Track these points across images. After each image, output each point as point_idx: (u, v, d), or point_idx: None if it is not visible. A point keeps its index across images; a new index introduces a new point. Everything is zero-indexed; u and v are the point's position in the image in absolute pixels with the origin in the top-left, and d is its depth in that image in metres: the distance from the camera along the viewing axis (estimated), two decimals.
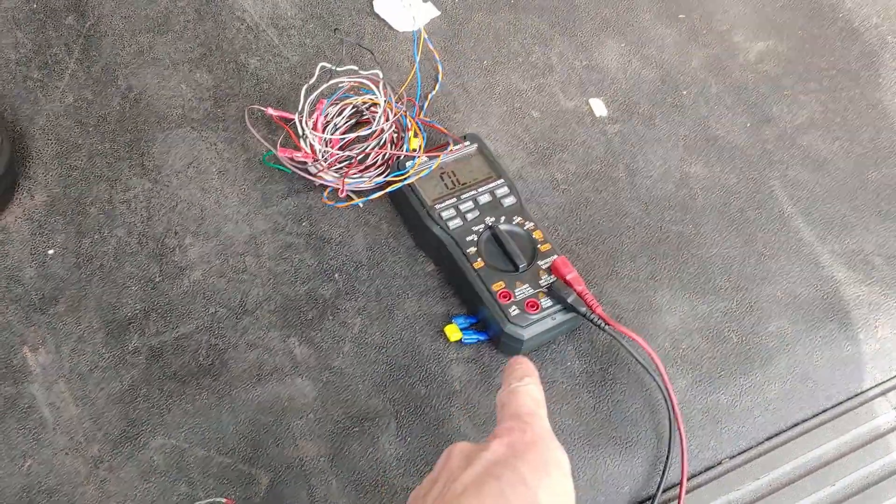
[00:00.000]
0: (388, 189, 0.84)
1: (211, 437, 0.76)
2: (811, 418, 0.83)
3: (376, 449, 0.77)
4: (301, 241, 0.87)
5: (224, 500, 0.74)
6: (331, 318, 0.83)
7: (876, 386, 0.85)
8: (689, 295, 0.86)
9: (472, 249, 0.81)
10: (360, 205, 0.88)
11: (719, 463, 0.80)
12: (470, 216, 0.83)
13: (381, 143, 0.86)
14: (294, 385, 0.79)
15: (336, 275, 0.85)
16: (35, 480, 0.74)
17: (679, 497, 0.75)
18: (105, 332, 0.81)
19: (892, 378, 0.85)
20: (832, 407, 0.84)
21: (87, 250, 0.85)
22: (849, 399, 0.84)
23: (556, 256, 0.81)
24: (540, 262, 0.81)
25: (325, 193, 0.88)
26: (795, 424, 0.82)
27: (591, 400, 0.80)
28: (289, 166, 0.87)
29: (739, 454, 0.81)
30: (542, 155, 0.94)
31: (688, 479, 0.78)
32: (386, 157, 0.87)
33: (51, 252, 0.85)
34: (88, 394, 0.78)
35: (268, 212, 0.88)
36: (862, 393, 0.84)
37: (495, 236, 0.82)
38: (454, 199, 0.84)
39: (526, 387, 0.63)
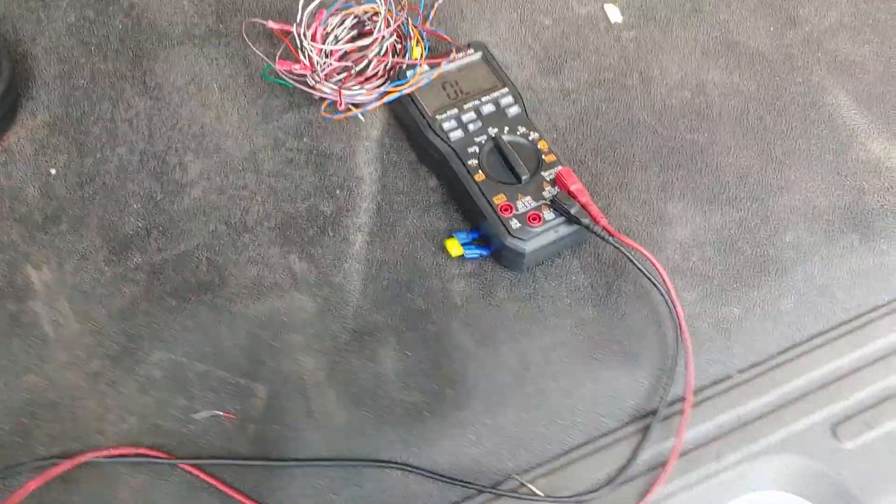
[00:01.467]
0: (387, 99, 0.81)
1: (210, 351, 0.76)
2: (828, 331, 0.79)
3: (375, 363, 0.76)
4: (301, 156, 0.85)
5: (222, 414, 0.73)
6: (331, 234, 0.81)
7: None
8: (702, 205, 0.83)
9: (474, 162, 0.78)
10: (360, 116, 0.85)
11: (729, 377, 0.77)
12: (472, 127, 0.80)
13: (382, 51, 0.83)
14: (293, 301, 0.78)
15: (337, 191, 0.83)
16: (37, 395, 0.74)
17: (683, 411, 0.73)
18: (107, 249, 0.80)
19: None
20: (850, 320, 0.80)
21: (89, 169, 0.84)
22: (869, 311, 0.80)
23: (560, 167, 0.77)
24: (544, 174, 0.78)
25: (324, 106, 0.85)
26: (811, 337, 0.79)
27: (594, 313, 0.77)
28: (287, 79, 0.84)
29: (750, 367, 0.78)
30: (553, 64, 0.90)
31: (694, 393, 0.75)
32: (387, 66, 0.84)
33: (53, 171, 0.84)
34: (90, 310, 0.77)
35: (268, 127, 0.86)
36: (883, 306, 0.80)
37: (497, 147, 0.79)
38: (456, 110, 0.81)
39: None
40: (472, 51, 0.84)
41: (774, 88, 0.90)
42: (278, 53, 0.87)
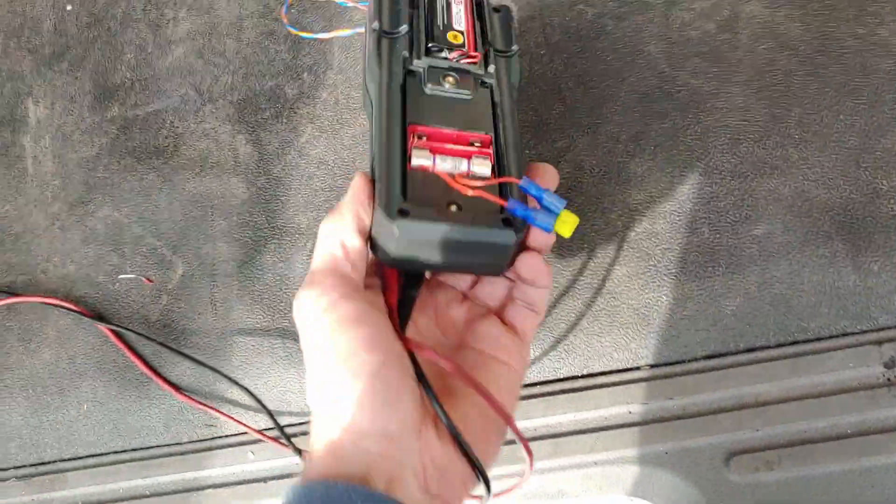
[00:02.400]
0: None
1: (148, 217, 0.65)
2: (768, 348, 0.56)
3: (287, 265, 0.62)
4: (283, 30, 0.67)
5: (144, 279, 0.64)
6: (284, 120, 0.65)
7: (872, 331, 0.55)
8: (672, 169, 0.58)
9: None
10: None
11: (636, 368, 0.57)
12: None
13: None
14: (229, 184, 0.65)
15: (304, 74, 0.66)
16: (7, 224, 0.68)
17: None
18: (93, 96, 0.69)
19: None
20: (803, 342, 0.56)
21: (99, 10, 0.72)
22: (828, 338, 0.55)
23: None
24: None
25: None
26: (748, 350, 0.56)
27: None
28: None
29: (662, 365, 0.57)
30: None
31: (593, 375, 0.57)
32: None
33: (69, 8, 0.72)
34: (65, 154, 0.68)
35: None
36: (849, 335, 0.55)
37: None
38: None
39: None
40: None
41: (822, 38, 0.59)
42: None
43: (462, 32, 0.46)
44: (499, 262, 0.40)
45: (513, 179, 0.39)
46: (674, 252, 0.56)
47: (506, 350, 0.42)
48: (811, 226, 0.55)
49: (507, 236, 0.38)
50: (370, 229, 0.39)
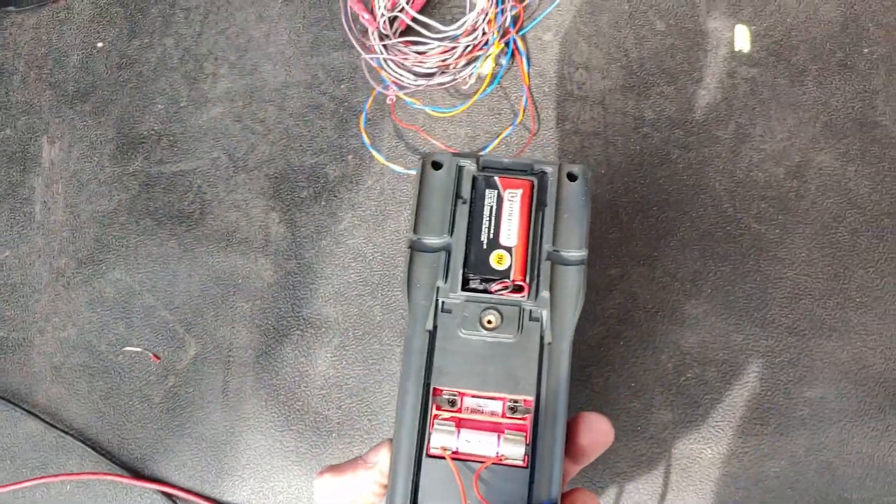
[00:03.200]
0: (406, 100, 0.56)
1: (163, 288, 0.60)
2: None
3: (308, 361, 0.58)
4: (331, 105, 0.63)
5: (151, 356, 0.58)
6: (323, 203, 0.61)
7: None
8: (729, 316, 0.55)
9: None
10: (399, 95, 0.61)
11: None
12: None
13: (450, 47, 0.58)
14: (256, 264, 0.60)
15: (350, 156, 0.62)
16: (5, 273, 0.61)
17: None
18: (116, 144, 0.64)
19: None
20: None
21: (132, 53, 0.66)
22: None
23: None
24: None
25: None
26: None
27: None
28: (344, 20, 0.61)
29: None
30: (642, 82, 0.61)
31: None
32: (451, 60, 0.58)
33: (99, 45, 0.67)
34: (78, 204, 0.63)
35: (311, 62, 0.64)
36: None
37: None
38: None
39: None
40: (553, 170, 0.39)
41: (891, 201, 0.58)
42: None
43: (510, 250, 0.37)
44: None
45: None
46: (723, 404, 0.53)
47: None
48: (866, 395, 0.52)
49: None
50: None
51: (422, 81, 0.59)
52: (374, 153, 0.60)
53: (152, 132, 0.63)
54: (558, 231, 0.38)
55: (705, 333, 0.54)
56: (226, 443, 0.56)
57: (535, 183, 0.38)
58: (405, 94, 0.60)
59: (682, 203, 0.57)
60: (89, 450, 0.56)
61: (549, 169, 0.38)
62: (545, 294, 0.36)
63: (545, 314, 0.36)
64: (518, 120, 0.59)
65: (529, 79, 0.60)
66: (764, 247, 0.56)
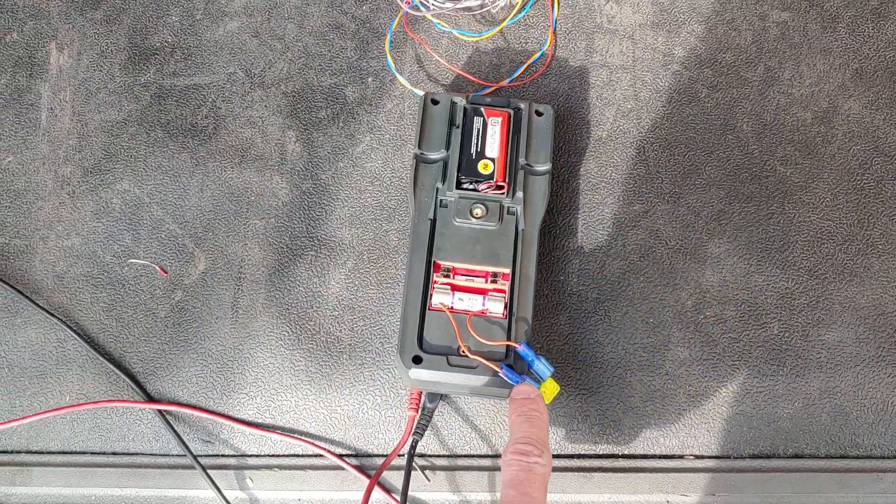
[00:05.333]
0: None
1: (172, 201, 0.57)
2: (819, 458, 0.52)
3: (321, 282, 0.55)
4: (352, 25, 0.60)
5: (158, 269, 0.56)
6: (341, 124, 0.58)
7: None
8: (751, 256, 0.54)
9: None
10: (428, 15, 0.59)
11: (681, 456, 0.53)
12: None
13: None
14: (271, 182, 0.57)
15: (370, 78, 0.59)
16: (8, 178, 0.58)
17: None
18: (127, 54, 0.61)
19: None
20: (853, 457, 0.52)
21: None
22: (882, 458, 0.52)
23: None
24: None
25: None
26: (797, 456, 0.52)
27: None
28: None
29: (709, 457, 0.53)
30: (673, 18, 0.59)
31: (623, 457, 0.52)
32: None
33: None
34: (87, 113, 0.60)
35: None
36: None
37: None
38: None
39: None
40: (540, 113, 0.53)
41: None
42: None
43: (493, 160, 0.50)
44: (499, 397, 0.48)
45: (512, 343, 0.46)
46: (740, 343, 0.52)
47: None
48: (884, 342, 0.52)
49: (503, 385, 0.46)
50: None
51: (449, 4, 0.56)
52: (398, 76, 0.57)
53: (166, 44, 0.60)
54: (529, 150, 0.51)
55: (726, 273, 0.53)
56: (233, 359, 0.53)
57: (512, 115, 0.51)
58: (432, 14, 0.57)
59: (708, 142, 0.55)
60: (92, 357, 0.53)
61: (522, 105, 0.52)
62: (520, 194, 0.49)
63: (520, 209, 0.49)
64: (546, 48, 0.57)
65: (559, 8, 0.58)
66: (789, 190, 0.54)
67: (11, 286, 0.54)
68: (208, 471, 0.51)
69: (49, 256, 0.55)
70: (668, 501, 0.50)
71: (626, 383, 0.51)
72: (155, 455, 0.53)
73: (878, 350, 0.51)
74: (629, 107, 0.56)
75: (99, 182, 0.57)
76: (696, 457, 0.51)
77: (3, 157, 0.58)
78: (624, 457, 0.51)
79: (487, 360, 0.46)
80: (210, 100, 0.58)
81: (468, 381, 0.46)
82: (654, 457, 0.51)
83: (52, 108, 0.58)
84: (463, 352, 0.46)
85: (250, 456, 0.52)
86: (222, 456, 0.52)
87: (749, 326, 0.52)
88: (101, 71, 0.59)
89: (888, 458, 0.51)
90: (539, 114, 0.52)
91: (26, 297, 0.54)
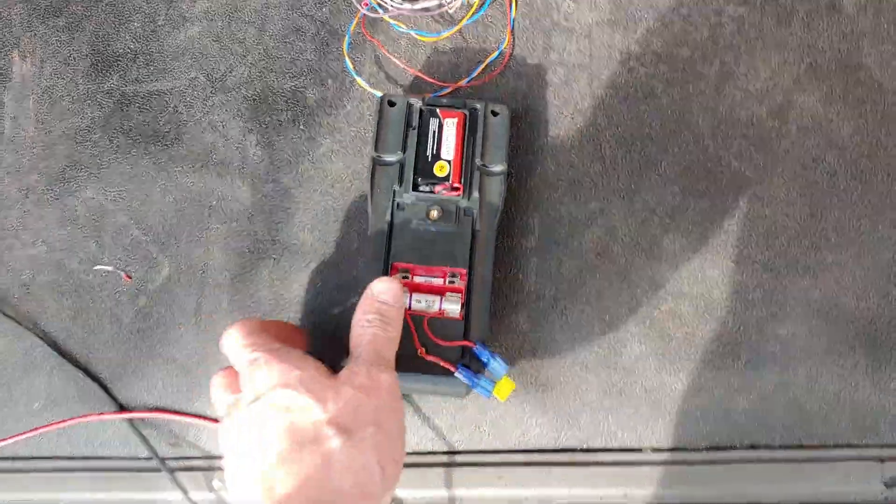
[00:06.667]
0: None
1: (136, 207, 0.58)
2: (776, 448, 0.53)
3: (284, 285, 0.56)
4: (312, 27, 0.60)
5: (123, 275, 0.56)
6: (302, 128, 0.58)
7: (877, 447, 0.52)
8: (706, 253, 0.54)
9: None
10: (388, 19, 0.59)
11: (639, 450, 0.53)
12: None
13: None
14: (232, 186, 0.58)
15: (329, 80, 0.59)
16: None
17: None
18: (90, 62, 0.61)
19: None
20: (808, 447, 0.53)
21: None
22: (836, 447, 0.53)
23: None
24: None
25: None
26: (753, 447, 0.53)
27: None
28: None
29: (666, 450, 0.53)
30: (630, 17, 0.59)
31: (592, 451, 0.53)
32: None
33: None
34: (50, 121, 0.60)
35: None
36: (854, 447, 0.53)
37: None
38: None
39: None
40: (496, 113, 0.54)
41: (872, 143, 0.56)
42: None
43: (449, 162, 0.50)
44: (456, 396, 0.48)
45: (468, 343, 0.47)
46: (695, 338, 0.53)
47: None
48: (836, 334, 0.52)
49: (458, 386, 0.47)
50: None
51: (406, 5, 0.56)
52: (357, 78, 0.57)
53: (128, 50, 0.60)
54: (485, 150, 0.51)
55: (682, 268, 0.53)
56: (198, 364, 0.54)
57: (468, 115, 0.51)
58: (389, 16, 0.57)
59: (664, 138, 0.56)
60: (60, 363, 0.54)
61: (478, 106, 0.52)
62: (476, 195, 0.49)
63: (475, 211, 0.49)
64: (504, 47, 0.57)
65: (518, 7, 0.58)
66: (743, 184, 0.54)
67: None
68: (175, 473, 0.52)
69: (15, 265, 0.56)
70: (625, 495, 0.51)
71: (583, 379, 0.52)
72: (123, 458, 0.54)
73: (831, 342, 0.51)
74: (586, 105, 0.56)
75: (63, 190, 0.57)
76: (654, 450, 0.52)
77: None
78: (582, 451, 0.52)
79: (443, 360, 0.46)
80: (172, 105, 0.58)
81: (424, 384, 0.47)
82: (612, 450, 0.52)
83: (15, 117, 0.58)
84: (420, 354, 0.46)
85: (217, 458, 0.52)
86: (189, 458, 0.53)
87: (704, 321, 0.52)
88: (64, 78, 0.59)
89: (842, 446, 0.51)
90: (495, 114, 0.52)
91: None
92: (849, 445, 0.51)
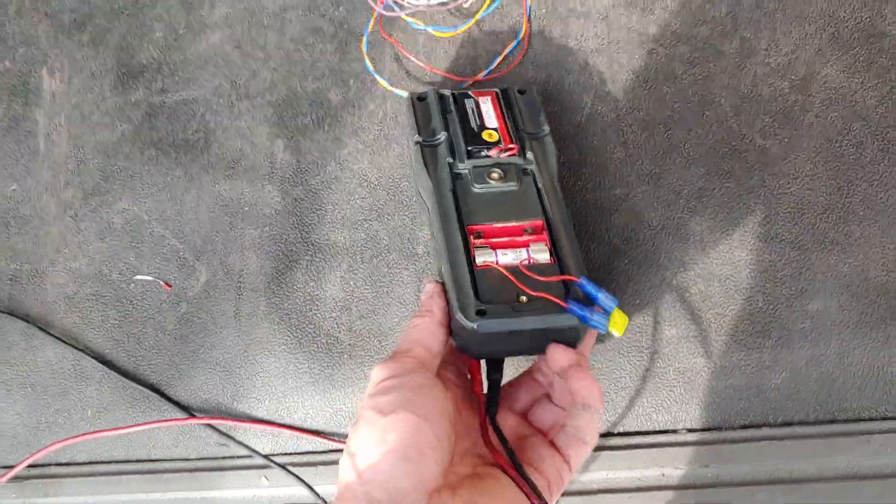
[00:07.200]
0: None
1: (171, 216, 0.59)
2: (808, 424, 0.53)
3: (318, 285, 0.57)
4: (331, 28, 0.61)
5: (162, 283, 0.58)
6: (326, 129, 0.59)
7: None
8: (733, 232, 0.55)
9: None
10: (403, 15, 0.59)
11: (675, 431, 0.54)
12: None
13: None
14: (263, 191, 0.59)
15: (351, 80, 0.60)
16: (13, 206, 0.61)
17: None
18: (116, 74, 0.62)
19: None
20: (842, 421, 0.53)
21: None
22: (871, 420, 0.53)
23: None
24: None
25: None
26: (787, 423, 0.54)
27: None
28: None
29: (701, 430, 0.54)
30: None
31: (628, 434, 0.54)
32: None
33: None
34: (82, 135, 0.61)
35: None
36: (889, 418, 0.53)
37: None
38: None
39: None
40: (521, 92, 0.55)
41: None
42: None
43: (496, 129, 0.50)
44: (570, 341, 0.42)
45: (572, 278, 0.43)
46: (726, 318, 0.53)
47: (549, 470, 0.42)
48: (866, 307, 0.52)
49: (572, 320, 0.42)
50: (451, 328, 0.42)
51: (423, 1, 0.56)
52: (378, 78, 0.58)
53: (152, 61, 0.61)
54: (524, 118, 0.52)
55: (709, 249, 0.54)
56: (240, 366, 0.56)
57: (500, 93, 0.53)
58: (406, 14, 0.57)
59: (687, 120, 0.56)
60: (108, 374, 0.56)
61: (506, 87, 0.53)
62: (530, 154, 0.49)
63: (534, 168, 0.48)
64: (521, 36, 0.57)
65: None
66: (768, 162, 0.54)
67: (23, 319, 0.56)
68: (226, 472, 0.54)
69: (59, 279, 0.58)
70: (663, 475, 0.52)
71: (617, 364, 0.53)
72: (176, 460, 0.56)
73: (861, 316, 0.51)
74: (606, 90, 0.56)
75: (99, 203, 0.58)
76: (689, 430, 0.53)
77: (8, 186, 0.60)
78: (619, 434, 0.53)
79: (553, 297, 0.41)
80: (199, 113, 0.59)
81: (537, 324, 0.41)
82: (648, 433, 0.53)
83: (48, 134, 0.60)
84: (525, 287, 0.42)
85: (264, 455, 0.54)
86: (239, 457, 0.55)
87: (734, 301, 0.53)
88: (92, 93, 0.60)
89: (876, 419, 0.51)
90: (522, 92, 0.54)
91: (39, 327, 0.56)
92: (883, 418, 0.52)
